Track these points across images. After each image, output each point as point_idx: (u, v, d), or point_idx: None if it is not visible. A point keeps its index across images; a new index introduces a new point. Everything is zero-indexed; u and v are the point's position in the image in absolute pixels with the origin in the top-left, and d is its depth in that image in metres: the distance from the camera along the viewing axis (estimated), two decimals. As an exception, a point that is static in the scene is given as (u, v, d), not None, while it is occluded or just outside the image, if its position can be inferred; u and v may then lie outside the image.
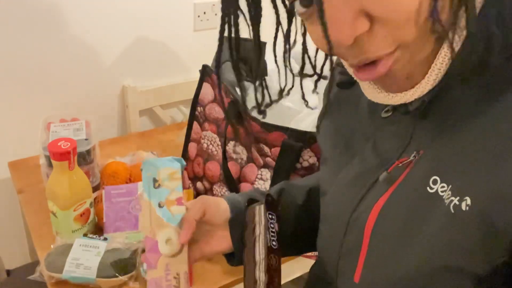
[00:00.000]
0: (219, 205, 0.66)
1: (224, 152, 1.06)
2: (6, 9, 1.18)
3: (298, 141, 0.95)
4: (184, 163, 0.63)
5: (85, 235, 0.96)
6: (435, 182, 0.43)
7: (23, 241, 1.47)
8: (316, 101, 1.05)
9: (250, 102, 1.09)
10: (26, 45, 1.24)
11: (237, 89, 1.15)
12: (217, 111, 1.10)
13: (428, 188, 0.43)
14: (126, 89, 1.44)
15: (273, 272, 0.58)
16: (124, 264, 0.90)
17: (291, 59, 0.57)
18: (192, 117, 1.18)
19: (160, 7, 1.40)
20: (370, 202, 0.50)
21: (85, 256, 0.90)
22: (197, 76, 1.14)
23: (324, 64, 0.56)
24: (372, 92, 0.47)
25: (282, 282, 0.62)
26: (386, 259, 0.48)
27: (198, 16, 1.48)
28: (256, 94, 0.57)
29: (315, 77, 0.59)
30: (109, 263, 0.89)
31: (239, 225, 0.65)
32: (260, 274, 0.59)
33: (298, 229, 0.69)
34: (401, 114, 0.48)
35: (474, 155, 0.40)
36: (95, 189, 1.07)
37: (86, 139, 1.05)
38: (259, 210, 0.61)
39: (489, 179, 0.39)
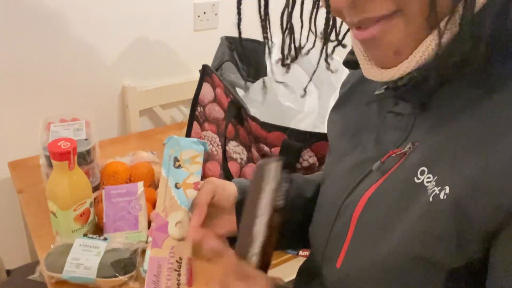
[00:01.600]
0: (227, 188, 0.66)
1: (224, 152, 1.06)
2: (6, 10, 1.18)
3: (298, 141, 0.95)
4: (208, 147, 0.62)
5: (85, 235, 0.96)
6: (422, 172, 0.44)
7: (23, 241, 1.47)
8: (315, 100, 1.05)
9: (249, 102, 1.09)
10: (27, 45, 1.24)
11: (238, 89, 1.16)
12: (217, 111, 1.10)
13: (415, 178, 0.44)
14: (126, 89, 1.44)
15: (272, 231, 0.58)
16: (124, 264, 0.90)
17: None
18: (192, 117, 1.18)
19: (160, 7, 1.40)
20: (361, 190, 0.51)
21: (85, 256, 0.90)
22: (197, 76, 1.14)
23: (347, 32, 0.56)
24: (365, 67, 0.48)
25: (282, 281, 0.62)
26: (367, 246, 0.49)
27: (198, 16, 1.48)
28: (282, 46, 0.56)
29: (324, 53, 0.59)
30: (109, 263, 0.89)
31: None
32: (259, 229, 0.58)
33: (304, 222, 0.69)
34: (392, 91, 0.49)
35: (460, 146, 0.41)
36: (95, 189, 1.07)
37: (86, 139, 1.05)
38: (276, 167, 0.60)
39: (467, 168, 0.39)
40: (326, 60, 0.55)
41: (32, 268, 0.95)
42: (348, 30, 0.56)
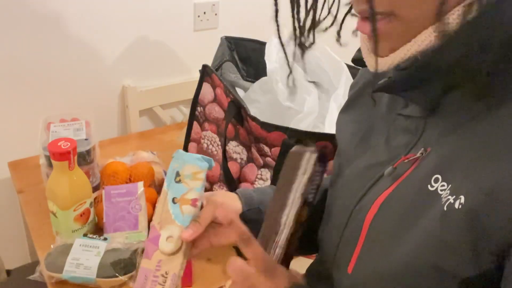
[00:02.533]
0: (232, 204, 0.65)
1: (224, 152, 1.06)
2: (6, 10, 1.18)
3: (298, 141, 0.95)
4: (213, 164, 0.61)
5: (85, 235, 0.96)
6: (436, 180, 0.43)
7: (23, 241, 1.47)
8: (315, 100, 1.05)
9: (249, 102, 1.09)
10: (27, 45, 1.24)
11: (238, 89, 1.16)
12: (217, 111, 1.10)
13: (429, 186, 0.44)
14: (126, 89, 1.44)
15: (299, 225, 0.56)
16: (124, 264, 0.90)
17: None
18: (192, 117, 1.18)
19: (160, 7, 1.40)
20: (373, 195, 0.50)
21: (85, 256, 0.90)
22: (197, 76, 1.14)
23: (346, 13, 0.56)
24: (368, 60, 0.49)
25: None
26: (379, 253, 0.48)
27: (198, 16, 1.48)
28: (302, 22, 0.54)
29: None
30: (109, 263, 0.89)
31: (249, 221, 0.63)
32: (288, 220, 0.56)
33: (311, 229, 0.68)
34: (393, 81, 0.48)
35: (476, 155, 0.40)
36: (95, 189, 1.07)
37: (86, 139, 1.05)
38: (309, 158, 0.57)
39: (483, 178, 0.39)
40: (338, 32, 0.54)
41: (32, 268, 0.95)
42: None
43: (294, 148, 0.60)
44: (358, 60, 0.54)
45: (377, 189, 0.51)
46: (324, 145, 0.57)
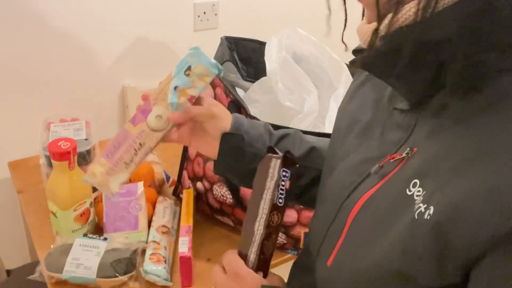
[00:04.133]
0: (223, 119, 0.69)
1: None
2: (6, 9, 1.18)
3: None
4: (222, 74, 0.67)
5: (85, 235, 0.96)
6: (414, 185, 0.42)
7: (23, 241, 1.47)
8: (315, 100, 1.05)
9: (249, 102, 1.09)
10: (26, 45, 1.24)
11: (238, 89, 1.16)
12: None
13: (407, 190, 0.43)
14: (126, 89, 1.44)
15: (272, 230, 0.59)
16: (124, 264, 0.90)
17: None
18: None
19: (160, 7, 1.40)
20: (360, 192, 0.51)
21: (85, 256, 0.90)
22: (197, 76, 1.14)
23: None
24: (359, 30, 0.48)
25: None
26: (355, 251, 0.48)
27: (198, 16, 1.48)
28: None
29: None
30: (109, 263, 0.89)
31: (228, 144, 0.69)
32: (258, 228, 0.59)
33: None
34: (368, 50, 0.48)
35: (451, 164, 0.39)
36: (95, 189, 1.07)
37: (86, 139, 1.05)
38: (275, 164, 0.60)
39: (452, 191, 0.38)
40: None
41: (32, 268, 0.95)
42: None
43: (263, 158, 0.63)
44: (358, 51, 0.53)
45: (364, 186, 0.51)
46: (288, 151, 0.59)
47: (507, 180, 0.34)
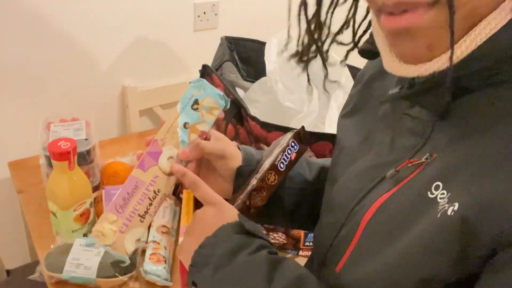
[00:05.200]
0: (234, 158, 0.66)
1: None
2: (6, 10, 1.18)
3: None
4: (228, 106, 0.63)
5: (85, 235, 0.96)
6: (437, 187, 0.42)
7: (23, 241, 1.47)
8: (316, 105, 1.05)
9: (249, 102, 1.09)
10: (26, 45, 1.24)
11: (238, 89, 1.16)
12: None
13: (429, 192, 0.42)
14: (126, 89, 1.44)
15: (265, 185, 0.60)
16: (124, 264, 0.90)
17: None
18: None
19: (160, 7, 1.40)
20: (372, 197, 0.49)
21: (85, 256, 0.90)
22: (197, 76, 1.14)
23: (363, 35, 0.54)
24: (387, 60, 0.45)
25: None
26: (371, 254, 0.47)
27: (198, 16, 1.48)
28: (299, 38, 0.54)
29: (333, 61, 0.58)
30: (109, 263, 0.89)
31: (244, 175, 0.65)
32: (252, 181, 0.61)
33: (301, 202, 0.69)
34: (405, 92, 0.47)
35: (479, 166, 0.39)
36: (95, 189, 1.07)
37: (86, 139, 1.05)
38: (287, 136, 0.64)
39: (480, 190, 0.38)
40: (324, 63, 0.53)
41: (32, 268, 0.95)
42: (364, 33, 0.53)
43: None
44: (366, 52, 0.51)
45: (377, 191, 0.50)
46: (303, 127, 0.61)
47: None
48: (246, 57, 1.23)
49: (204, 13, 1.48)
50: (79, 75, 1.36)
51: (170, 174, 0.60)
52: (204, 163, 0.66)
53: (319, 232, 0.61)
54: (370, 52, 0.50)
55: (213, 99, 0.61)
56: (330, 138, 0.92)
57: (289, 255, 1.06)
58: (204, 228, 0.55)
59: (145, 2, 1.36)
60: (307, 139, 0.63)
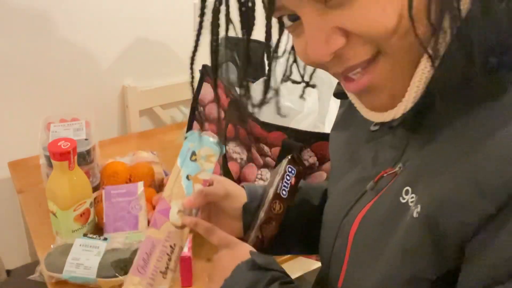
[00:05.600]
0: (238, 196, 0.68)
1: (224, 152, 1.06)
2: (6, 10, 1.18)
3: (298, 141, 0.95)
4: (224, 151, 0.66)
5: (85, 235, 0.96)
6: (407, 192, 0.44)
7: (23, 241, 1.47)
8: (315, 100, 1.05)
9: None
10: (26, 45, 1.24)
11: (237, 89, 1.15)
12: (217, 111, 1.10)
13: (401, 198, 0.44)
14: (126, 89, 1.44)
15: (272, 215, 0.63)
16: (124, 264, 0.90)
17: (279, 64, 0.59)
18: (192, 117, 1.18)
19: (160, 7, 1.40)
20: (356, 210, 0.51)
21: (85, 256, 0.90)
22: (197, 76, 1.14)
23: (313, 72, 0.57)
24: (363, 110, 0.48)
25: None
26: (363, 268, 0.49)
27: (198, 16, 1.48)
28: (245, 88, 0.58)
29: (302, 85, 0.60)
30: (109, 263, 0.89)
31: (251, 212, 0.67)
32: (260, 214, 0.63)
33: (309, 228, 0.70)
34: (387, 129, 0.50)
35: (439, 165, 0.41)
36: (95, 189, 1.07)
37: (86, 139, 1.05)
38: (283, 163, 0.67)
39: (438, 187, 0.40)
40: (278, 104, 0.56)
41: (32, 268, 0.95)
42: (314, 70, 0.57)
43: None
44: (340, 94, 0.54)
45: (360, 204, 0.51)
46: (297, 154, 0.64)
47: (487, 168, 0.37)
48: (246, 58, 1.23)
49: (204, 13, 1.48)
50: (79, 75, 1.36)
51: (182, 226, 0.62)
52: (212, 209, 0.67)
53: (320, 248, 0.63)
54: (343, 93, 0.52)
55: (209, 148, 0.64)
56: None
57: (288, 255, 1.06)
58: (223, 272, 0.58)
59: (145, 2, 1.36)
60: (302, 161, 0.66)
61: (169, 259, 0.61)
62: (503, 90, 0.38)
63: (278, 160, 0.96)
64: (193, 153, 0.64)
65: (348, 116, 0.63)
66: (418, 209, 0.41)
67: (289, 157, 0.67)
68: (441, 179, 0.40)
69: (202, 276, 0.96)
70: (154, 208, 1.07)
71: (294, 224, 0.68)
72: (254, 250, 0.59)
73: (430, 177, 0.42)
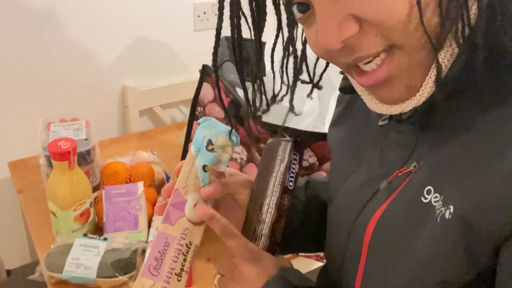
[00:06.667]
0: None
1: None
2: (6, 10, 1.18)
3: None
4: (238, 142, 0.60)
5: (85, 235, 0.96)
6: (429, 192, 0.43)
7: (23, 241, 1.47)
8: (316, 105, 1.05)
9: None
10: (26, 45, 1.24)
11: (238, 89, 1.15)
12: (217, 111, 1.10)
13: (422, 198, 0.43)
14: (126, 89, 1.44)
15: (282, 212, 0.57)
16: (124, 264, 0.90)
17: (290, 64, 0.58)
18: (192, 117, 1.18)
19: (160, 7, 1.40)
20: (370, 211, 0.50)
21: (85, 256, 0.90)
22: (197, 76, 1.14)
23: (323, 72, 0.57)
24: (370, 102, 0.47)
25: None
26: (383, 270, 0.48)
27: (198, 16, 1.48)
28: (253, 97, 0.57)
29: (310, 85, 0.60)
30: (109, 263, 0.89)
31: None
32: (269, 210, 0.57)
33: (319, 224, 0.69)
34: (396, 123, 0.49)
35: (464, 164, 0.40)
36: (95, 189, 1.07)
37: (86, 139, 1.05)
38: (285, 147, 0.59)
39: (471, 187, 0.39)
40: (291, 102, 0.55)
41: (32, 268, 0.95)
42: (324, 71, 0.56)
43: (270, 140, 0.61)
44: (346, 88, 0.53)
45: (373, 204, 0.50)
46: (298, 134, 0.58)
47: None
48: (246, 57, 1.23)
49: (204, 13, 1.48)
50: (79, 75, 1.36)
51: (200, 223, 0.56)
52: (221, 202, 0.62)
53: (328, 250, 0.62)
54: (348, 88, 0.51)
55: (226, 137, 0.58)
56: (330, 138, 0.91)
57: (288, 255, 1.06)
58: (248, 287, 0.53)
59: (145, 2, 1.36)
60: (303, 143, 0.60)
61: (185, 260, 0.54)
62: None
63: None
64: (210, 142, 0.57)
65: (346, 114, 0.62)
66: (451, 210, 0.40)
67: (292, 141, 0.59)
68: (474, 179, 0.39)
69: (202, 276, 0.96)
70: (154, 205, 1.07)
71: (304, 221, 0.67)
72: (283, 265, 0.55)
73: (457, 177, 0.41)
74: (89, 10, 1.29)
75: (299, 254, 1.07)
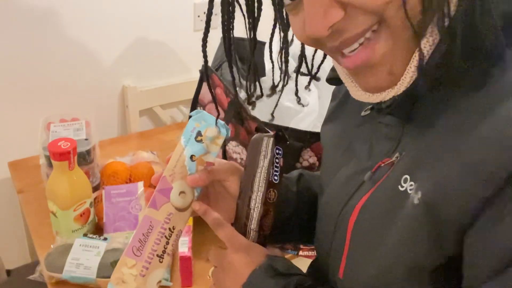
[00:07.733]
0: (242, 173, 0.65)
1: (224, 152, 1.06)
2: (6, 10, 1.18)
3: (298, 141, 0.95)
4: (229, 134, 0.62)
5: (85, 235, 0.96)
6: (405, 180, 0.44)
7: (23, 241, 1.47)
8: (315, 100, 1.05)
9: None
10: (26, 45, 1.24)
11: (238, 89, 1.15)
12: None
13: (399, 186, 0.45)
14: (126, 89, 1.44)
15: (269, 206, 0.60)
16: (124, 264, 0.90)
17: (290, 58, 0.58)
18: (192, 117, 1.18)
19: (160, 7, 1.40)
20: (355, 201, 0.52)
21: (85, 256, 0.90)
22: (197, 76, 1.14)
23: (321, 64, 0.57)
24: (352, 89, 0.48)
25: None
26: (363, 257, 0.49)
27: (198, 16, 1.48)
28: (247, 86, 0.58)
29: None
30: (109, 263, 0.89)
31: None
32: (256, 204, 0.60)
33: (311, 216, 0.69)
34: (376, 113, 0.50)
35: (438, 151, 0.42)
36: (95, 189, 1.07)
37: (86, 139, 1.05)
38: (267, 143, 0.61)
39: (438, 173, 0.40)
40: (296, 94, 0.56)
41: (32, 268, 0.95)
42: (322, 63, 0.57)
43: (253, 136, 0.63)
44: (333, 79, 0.54)
45: (358, 194, 0.52)
46: (280, 129, 0.60)
47: (481, 152, 0.37)
48: (246, 57, 1.23)
49: (204, 13, 1.47)
50: (79, 75, 1.36)
51: (184, 209, 0.59)
52: (211, 190, 0.65)
53: (317, 241, 0.63)
54: (336, 79, 0.53)
55: (215, 129, 0.60)
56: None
57: (288, 255, 1.06)
58: (236, 276, 0.55)
59: (145, 2, 1.36)
60: (285, 136, 0.61)
61: (167, 243, 0.58)
62: (497, 75, 0.39)
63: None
64: (199, 133, 0.60)
65: (339, 109, 0.63)
66: (419, 195, 0.41)
67: (274, 136, 0.61)
68: (440, 166, 0.40)
69: (202, 276, 0.96)
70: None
71: (295, 212, 0.68)
72: (270, 253, 0.57)
73: (429, 165, 0.42)
74: (89, 10, 1.29)
75: (299, 254, 1.08)
